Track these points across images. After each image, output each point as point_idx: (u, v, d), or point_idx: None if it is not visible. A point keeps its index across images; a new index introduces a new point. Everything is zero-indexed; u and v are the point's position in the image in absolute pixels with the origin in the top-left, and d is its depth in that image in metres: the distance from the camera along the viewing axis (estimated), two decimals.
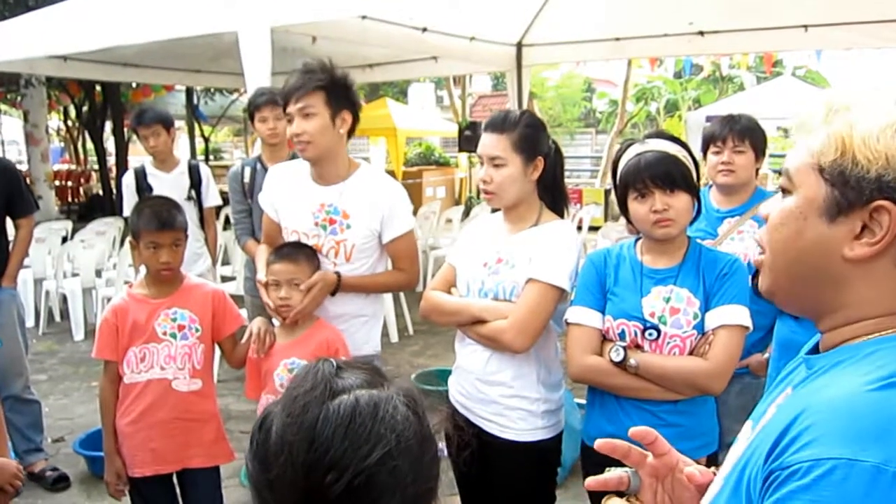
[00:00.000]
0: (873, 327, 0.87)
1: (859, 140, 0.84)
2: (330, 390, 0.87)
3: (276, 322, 2.56)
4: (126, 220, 5.02)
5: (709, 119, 11.56)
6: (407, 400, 0.89)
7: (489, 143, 2.19)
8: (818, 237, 0.88)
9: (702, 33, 6.49)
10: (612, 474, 1.15)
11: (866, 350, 0.86)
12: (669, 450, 1.12)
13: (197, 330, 2.54)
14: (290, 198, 2.61)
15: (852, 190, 0.85)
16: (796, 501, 0.74)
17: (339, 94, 2.46)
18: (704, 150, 2.88)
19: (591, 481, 1.15)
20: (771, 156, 2.86)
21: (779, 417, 0.85)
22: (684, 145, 2.06)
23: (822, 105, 0.90)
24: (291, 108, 2.43)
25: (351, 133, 2.54)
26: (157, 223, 2.46)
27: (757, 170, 2.87)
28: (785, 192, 0.93)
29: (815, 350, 0.98)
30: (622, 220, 2.24)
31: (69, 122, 19.86)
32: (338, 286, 2.50)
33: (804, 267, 0.91)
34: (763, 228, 0.98)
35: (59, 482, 3.82)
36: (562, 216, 2.30)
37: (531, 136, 2.18)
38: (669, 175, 1.96)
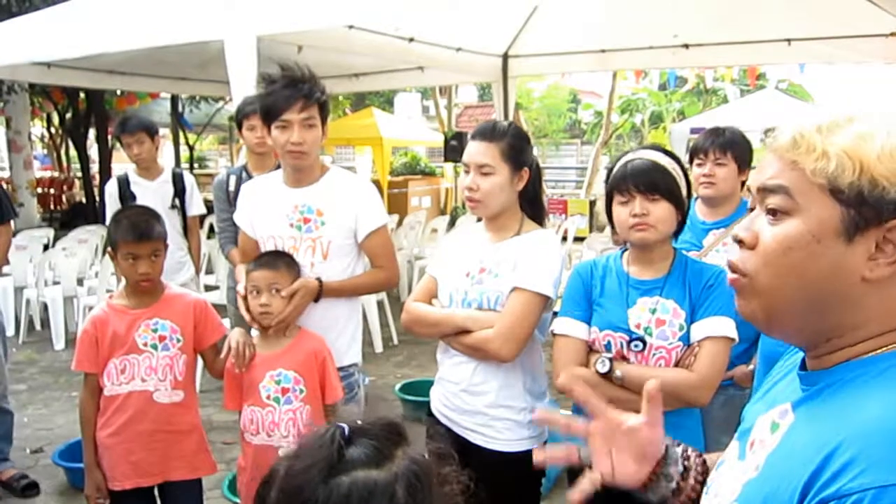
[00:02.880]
0: (880, 343, 0.85)
1: (876, 159, 0.81)
2: (328, 469, 0.83)
3: (254, 332, 2.53)
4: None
5: (693, 131, 11.68)
6: (409, 483, 0.84)
7: (477, 151, 2.19)
8: (836, 260, 0.84)
9: (686, 46, 6.55)
10: (557, 447, 1.16)
11: (881, 365, 0.84)
12: (605, 409, 1.13)
13: (178, 340, 2.51)
14: (264, 206, 2.62)
15: (871, 209, 0.81)
16: None
17: (327, 107, 2.55)
18: (690, 162, 2.90)
19: (539, 456, 1.16)
20: (754, 167, 2.88)
21: (806, 442, 0.82)
22: (676, 159, 2.07)
23: (818, 122, 0.86)
24: (292, 116, 2.42)
25: None
26: (135, 234, 2.42)
27: (743, 182, 2.89)
28: (778, 213, 0.88)
29: (802, 366, 0.95)
30: (607, 230, 2.24)
31: (52, 129, 19.69)
32: (320, 292, 2.49)
33: (817, 290, 0.86)
34: (737, 252, 0.93)
35: (29, 489, 3.80)
36: (542, 227, 2.31)
37: (519, 147, 2.20)
38: (652, 182, 1.98)
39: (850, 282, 0.84)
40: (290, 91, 2.43)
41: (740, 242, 0.93)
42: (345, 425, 0.88)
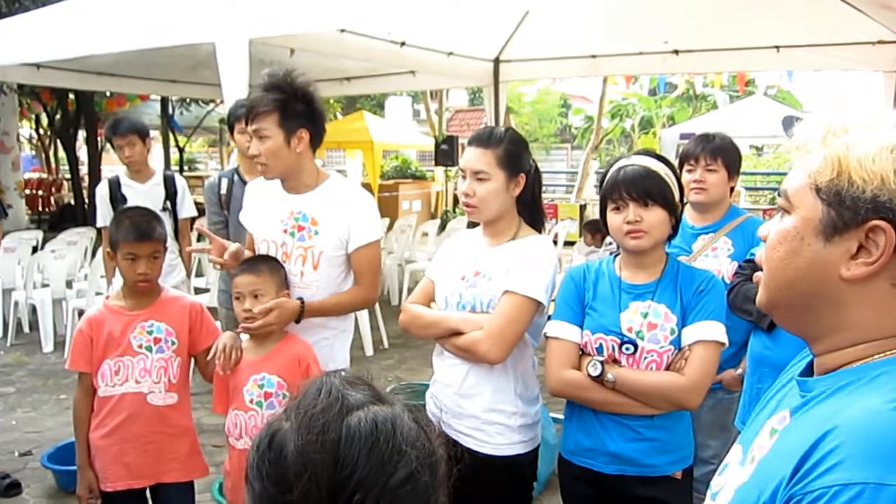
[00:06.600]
0: (874, 349, 0.87)
1: (855, 161, 0.85)
2: (346, 407, 0.86)
3: (244, 337, 2.53)
4: (99, 230, 4.96)
5: (683, 136, 11.74)
6: (414, 415, 0.89)
7: (474, 157, 2.20)
8: (814, 256, 0.89)
9: (676, 52, 6.60)
10: None
11: (873, 372, 0.86)
12: None
13: (173, 343, 2.51)
14: (261, 209, 2.63)
15: (848, 210, 0.85)
16: None
17: (295, 112, 2.41)
18: (679, 168, 2.92)
19: None
20: (742, 174, 2.94)
21: (793, 442, 0.84)
22: (669, 164, 2.09)
23: (820, 127, 0.90)
24: (249, 129, 2.46)
25: (317, 146, 2.53)
26: (136, 234, 2.43)
27: (732, 188, 2.91)
28: (783, 212, 0.94)
29: (807, 372, 0.97)
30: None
31: (41, 131, 19.58)
32: (301, 314, 2.46)
33: (801, 285, 0.91)
34: (761, 248, 0.99)
35: (12, 489, 3.80)
36: (539, 233, 2.32)
37: (515, 153, 2.21)
38: (645, 189, 2.00)
39: (829, 279, 0.88)
40: (249, 103, 2.46)
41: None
42: (339, 373, 0.94)
